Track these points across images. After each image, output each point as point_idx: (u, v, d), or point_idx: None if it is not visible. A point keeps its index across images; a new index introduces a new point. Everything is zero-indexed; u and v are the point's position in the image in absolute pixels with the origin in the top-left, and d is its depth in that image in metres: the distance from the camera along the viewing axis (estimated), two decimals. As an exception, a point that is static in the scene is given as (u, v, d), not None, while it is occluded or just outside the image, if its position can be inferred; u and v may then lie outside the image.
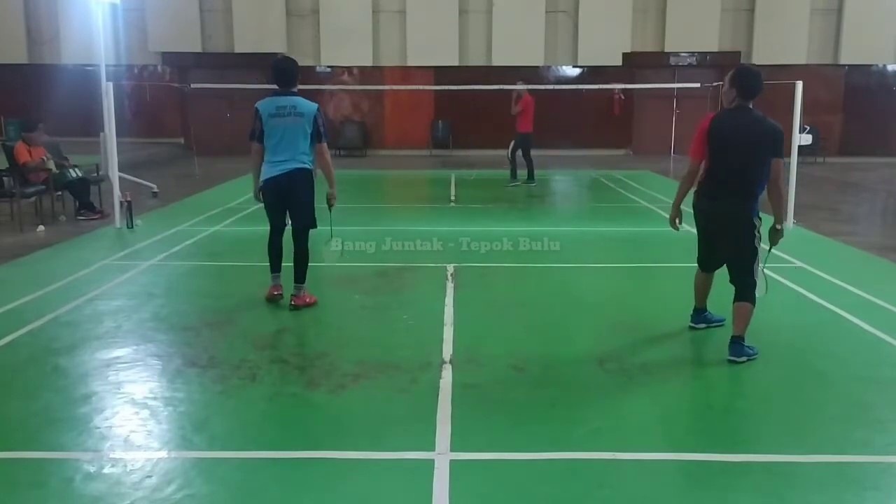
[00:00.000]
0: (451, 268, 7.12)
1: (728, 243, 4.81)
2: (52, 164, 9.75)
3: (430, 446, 3.52)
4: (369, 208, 11.96)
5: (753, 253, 4.68)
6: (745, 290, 4.71)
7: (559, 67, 21.13)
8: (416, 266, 7.29)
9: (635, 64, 20.53)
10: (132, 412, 3.93)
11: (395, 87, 19.55)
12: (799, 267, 7.24)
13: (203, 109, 20.56)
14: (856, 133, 20.73)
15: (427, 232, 8.81)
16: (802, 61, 20.26)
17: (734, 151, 4.62)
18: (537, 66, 20.74)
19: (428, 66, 20.46)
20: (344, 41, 20.59)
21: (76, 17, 18.31)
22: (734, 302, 4.73)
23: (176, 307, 5.92)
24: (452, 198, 12.16)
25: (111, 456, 3.44)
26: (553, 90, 17.62)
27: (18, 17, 20.83)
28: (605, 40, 20.31)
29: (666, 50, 20.86)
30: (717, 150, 4.68)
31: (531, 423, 3.84)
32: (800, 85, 9.31)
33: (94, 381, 4.34)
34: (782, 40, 20.43)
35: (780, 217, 4.67)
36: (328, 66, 21.13)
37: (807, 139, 9.44)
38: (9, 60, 20.63)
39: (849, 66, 20.82)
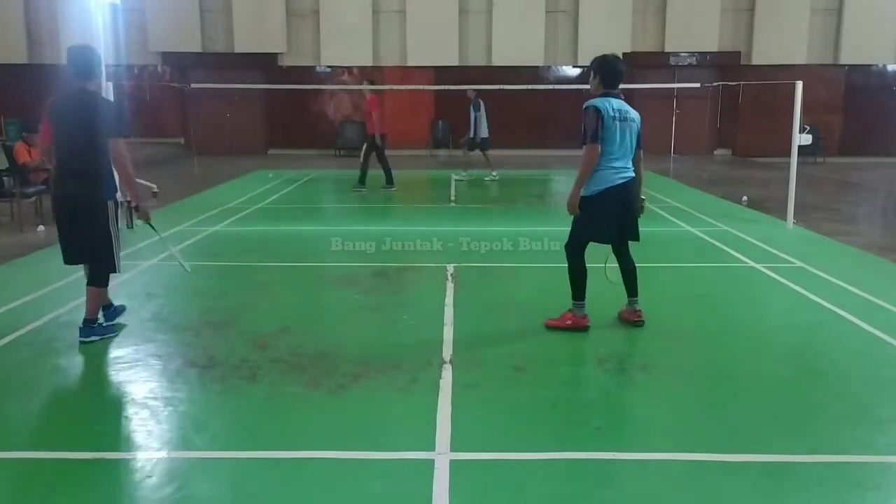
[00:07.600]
0: (451, 268, 7.12)
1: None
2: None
3: (430, 446, 3.52)
4: (369, 208, 11.96)
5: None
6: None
7: (559, 67, 21.14)
8: (416, 266, 7.29)
9: (635, 64, 20.50)
10: (132, 412, 3.92)
11: (395, 87, 19.57)
12: (799, 267, 7.24)
13: (203, 109, 20.60)
14: (856, 133, 20.74)
15: (427, 232, 8.82)
16: (802, 61, 20.29)
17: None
18: (537, 66, 20.75)
19: (428, 66, 20.47)
20: (344, 41, 20.60)
21: (76, 18, 18.20)
22: None
23: (176, 307, 5.92)
24: (452, 198, 12.15)
25: (111, 456, 3.44)
26: (553, 90, 17.63)
27: (18, 17, 20.82)
28: (605, 40, 20.20)
29: (666, 50, 20.88)
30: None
31: (531, 423, 3.84)
32: (800, 85, 9.32)
33: (94, 381, 4.34)
34: (782, 40, 20.46)
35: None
36: (328, 66, 21.14)
37: (807, 139, 9.45)
38: (9, 60, 20.61)
39: (849, 66, 20.83)
